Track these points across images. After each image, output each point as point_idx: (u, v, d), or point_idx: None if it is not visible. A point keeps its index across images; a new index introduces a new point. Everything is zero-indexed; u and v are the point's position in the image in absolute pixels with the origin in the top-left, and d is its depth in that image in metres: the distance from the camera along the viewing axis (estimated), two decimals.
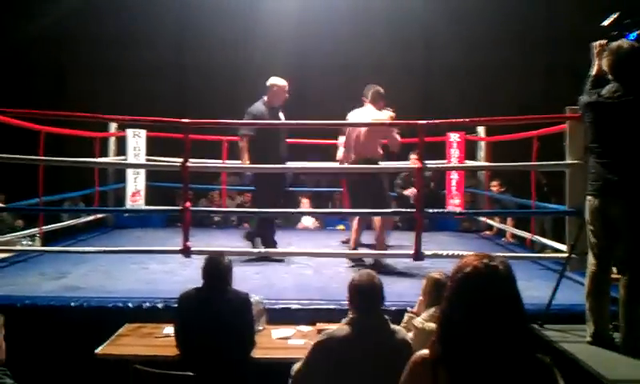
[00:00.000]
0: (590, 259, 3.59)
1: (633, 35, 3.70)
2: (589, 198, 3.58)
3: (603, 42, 3.67)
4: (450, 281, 1.68)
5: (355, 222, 5.79)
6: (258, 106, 5.84)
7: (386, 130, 5.54)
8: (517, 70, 10.33)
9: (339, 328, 2.93)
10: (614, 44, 3.54)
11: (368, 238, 6.01)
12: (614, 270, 3.70)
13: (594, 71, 3.66)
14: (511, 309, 1.62)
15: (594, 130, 3.54)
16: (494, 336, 1.58)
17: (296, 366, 3.00)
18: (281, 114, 5.94)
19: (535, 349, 1.67)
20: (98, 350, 3.56)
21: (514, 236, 7.41)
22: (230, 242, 6.39)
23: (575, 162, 4.75)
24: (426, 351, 1.70)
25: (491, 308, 1.60)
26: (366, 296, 2.94)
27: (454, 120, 5.25)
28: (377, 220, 5.59)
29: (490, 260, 1.64)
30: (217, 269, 3.51)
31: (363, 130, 5.52)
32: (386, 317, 2.97)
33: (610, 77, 3.52)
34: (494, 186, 8.21)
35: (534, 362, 1.64)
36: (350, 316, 2.96)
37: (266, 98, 5.89)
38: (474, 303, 1.60)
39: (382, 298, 2.99)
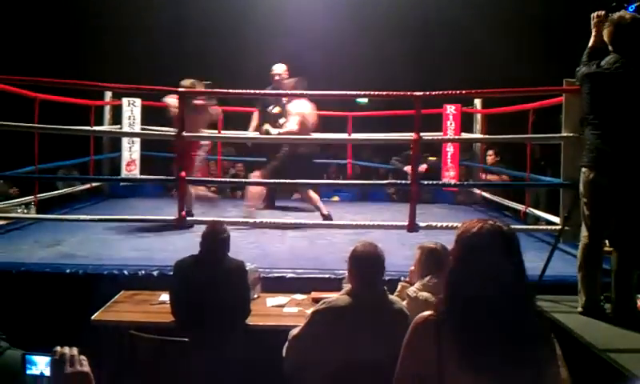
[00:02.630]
0: (583, 231, 3.61)
1: (632, 7, 3.68)
2: (583, 169, 3.57)
3: (601, 12, 3.64)
4: (455, 243, 1.72)
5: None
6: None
7: None
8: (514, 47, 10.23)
9: (339, 298, 2.91)
10: (616, 15, 3.51)
11: None
12: (606, 242, 3.72)
13: (591, 42, 3.64)
14: (516, 265, 1.67)
15: (591, 101, 3.53)
16: (499, 293, 1.62)
17: (294, 331, 3.00)
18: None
19: (535, 308, 1.72)
20: (94, 317, 3.58)
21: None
22: (225, 212, 6.40)
23: (571, 134, 4.75)
24: (428, 312, 1.74)
25: (498, 264, 1.64)
26: (368, 267, 2.93)
27: (450, 92, 5.22)
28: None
29: (494, 221, 1.71)
30: (215, 237, 3.53)
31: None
32: (385, 288, 2.97)
33: (609, 48, 3.50)
34: (490, 156, 8.18)
35: (533, 320, 1.68)
36: (350, 286, 2.95)
37: None
38: (482, 259, 1.65)
39: (384, 269, 2.98)
